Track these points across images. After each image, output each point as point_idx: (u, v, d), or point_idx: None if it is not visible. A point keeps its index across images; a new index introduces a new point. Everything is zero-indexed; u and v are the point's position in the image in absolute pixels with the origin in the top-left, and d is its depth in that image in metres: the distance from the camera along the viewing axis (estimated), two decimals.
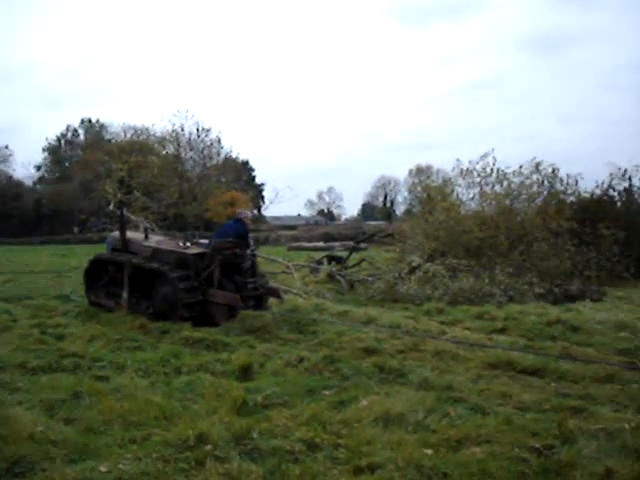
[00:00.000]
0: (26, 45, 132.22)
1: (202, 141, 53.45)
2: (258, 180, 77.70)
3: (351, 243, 23.84)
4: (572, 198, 22.71)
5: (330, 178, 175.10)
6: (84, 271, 12.69)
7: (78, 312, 11.74)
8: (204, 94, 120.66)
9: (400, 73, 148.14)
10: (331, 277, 17.83)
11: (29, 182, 76.16)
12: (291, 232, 60.58)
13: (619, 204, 24.49)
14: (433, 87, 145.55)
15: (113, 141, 63.19)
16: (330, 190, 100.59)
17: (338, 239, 44.41)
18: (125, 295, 11.36)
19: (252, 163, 76.64)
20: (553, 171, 21.44)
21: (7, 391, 6.18)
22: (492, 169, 20.31)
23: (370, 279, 16.88)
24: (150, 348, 8.57)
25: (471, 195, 21.08)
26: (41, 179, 78.04)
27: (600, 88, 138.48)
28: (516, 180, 20.47)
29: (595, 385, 6.89)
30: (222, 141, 55.75)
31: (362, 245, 26.33)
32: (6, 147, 75.44)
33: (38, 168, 78.14)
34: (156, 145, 54.26)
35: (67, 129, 78.33)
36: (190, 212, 46.12)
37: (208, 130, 53.44)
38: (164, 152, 52.88)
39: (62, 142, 78.69)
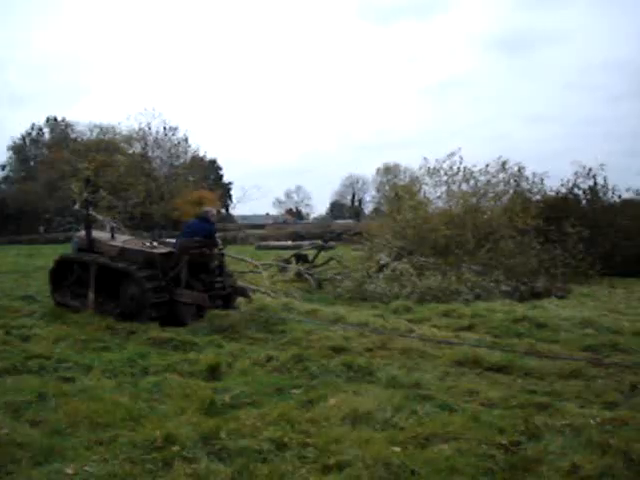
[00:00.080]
0: None
1: (169, 140, 53.32)
2: (226, 179, 77.30)
3: (319, 242, 23.84)
4: (538, 197, 23.07)
5: (298, 177, 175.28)
6: (49, 271, 12.53)
7: (44, 313, 11.55)
8: (171, 93, 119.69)
9: (369, 72, 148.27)
10: (299, 276, 17.87)
11: None
12: (259, 231, 60.29)
13: (584, 202, 24.91)
14: (402, 87, 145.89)
15: (79, 140, 62.37)
16: (298, 189, 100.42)
17: (307, 238, 44.34)
18: (91, 295, 11.23)
19: (220, 162, 76.20)
20: (519, 170, 21.78)
21: None
22: (459, 168, 20.48)
23: (338, 277, 16.91)
24: (117, 349, 8.48)
25: (438, 194, 21.21)
26: (6, 179, 76.83)
27: (567, 88, 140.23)
28: (483, 179, 20.69)
29: (561, 381, 6.99)
30: (189, 140, 55.60)
31: (330, 244, 26.39)
32: None
33: (3, 167, 76.90)
34: (123, 144, 53.81)
35: (32, 128, 77.19)
36: (157, 211, 45.88)
37: (175, 129, 53.30)
38: (131, 151, 52.50)
39: (27, 141, 77.56)
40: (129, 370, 7.25)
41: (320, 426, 5.12)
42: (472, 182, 20.59)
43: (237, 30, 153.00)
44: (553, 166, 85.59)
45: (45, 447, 4.59)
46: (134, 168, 45.34)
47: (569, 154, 57.40)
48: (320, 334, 9.14)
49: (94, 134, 61.80)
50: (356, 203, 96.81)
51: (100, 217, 17.91)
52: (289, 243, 40.76)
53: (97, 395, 5.92)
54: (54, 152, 60.86)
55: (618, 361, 8.00)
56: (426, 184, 21.79)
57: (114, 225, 15.36)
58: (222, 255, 11.62)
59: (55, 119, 76.20)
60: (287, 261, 20.71)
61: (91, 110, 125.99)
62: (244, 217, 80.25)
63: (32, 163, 73.57)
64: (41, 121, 77.27)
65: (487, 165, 20.73)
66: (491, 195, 20.77)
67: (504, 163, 21.01)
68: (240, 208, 72.84)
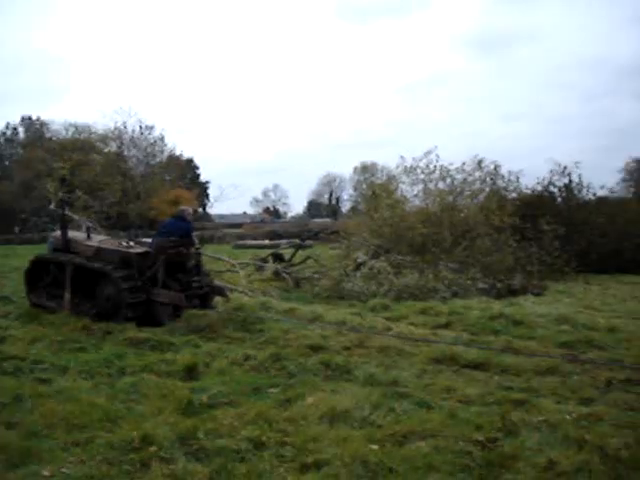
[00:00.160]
0: None
1: (145, 139, 53.01)
2: (203, 178, 76.78)
3: (297, 241, 23.83)
4: (514, 194, 23.25)
5: (275, 175, 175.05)
6: (25, 272, 12.41)
7: (19, 314, 11.44)
8: (147, 92, 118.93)
9: (346, 71, 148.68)
10: (277, 275, 17.86)
11: None
12: (237, 230, 60.07)
13: (559, 200, 25.11)
14: (379, 85, 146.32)
15: (54, 139, 61.78)
16: (276, 188, 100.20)
17: (284, 237, 44.28)
18: (67, 296, 11.14)
19: (196, 161, 75.74)
20: (495, 168, 21.93)
21: None
22: (435, 166, 20.63)
23: (316, 276, 16.92)
24: (93, 349, 8.42)
25: (415, 192, 21.38)
26: None
27: (542, 86, 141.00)
28: (459, 177, 20.86)
29: (537, 378, 7.05)
30: (166, 139, 55.30)
31: (308, 242, 26.39)
32: None
33: None
34: (98, 143, 53.38)
35: (7, 127, 76.48)
36: (134, 211, 45.55)
37: (151, 128, 53.00)
38: (107, 150, 52.15)
39: (2, 140, 76.79)
40: (106, 371, 7.21)
41: (298, 425, 5.12)
42: (449, 180, 20.76)
43: (213, 28, 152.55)
44: (529, 164, 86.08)
45: (21, 449, 4.55)
46: (110, 167, 45.11)
47: (544, 152, 57.66)
48: (298, 333, 9.13)
49: (69, 133, 61.11)
50: (333, 202, 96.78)
51: (76, 217, 17.71)
52: (266, 242, 40.69)
53: (74, 396, 5.88)
54: (29, 151, 60.24)
55: (593, 357, 8.09)
56: (403, 182, 21.96)
57: (90, 225, 15.20)
58: (199, 254, 11.59)
59: (30, 118, 75.48)
60: (264, 260, 20.68)
61: (66, 110, 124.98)
62: (221, 216, 79.91)
63: (7, 162, 72.90)
64: (16, 120, 76.59)
65: (463, 163, 20.95)
66: (467, 193, 20.93)
67: (480, 161, 21.20)
68: (217, 207, 72.96)
